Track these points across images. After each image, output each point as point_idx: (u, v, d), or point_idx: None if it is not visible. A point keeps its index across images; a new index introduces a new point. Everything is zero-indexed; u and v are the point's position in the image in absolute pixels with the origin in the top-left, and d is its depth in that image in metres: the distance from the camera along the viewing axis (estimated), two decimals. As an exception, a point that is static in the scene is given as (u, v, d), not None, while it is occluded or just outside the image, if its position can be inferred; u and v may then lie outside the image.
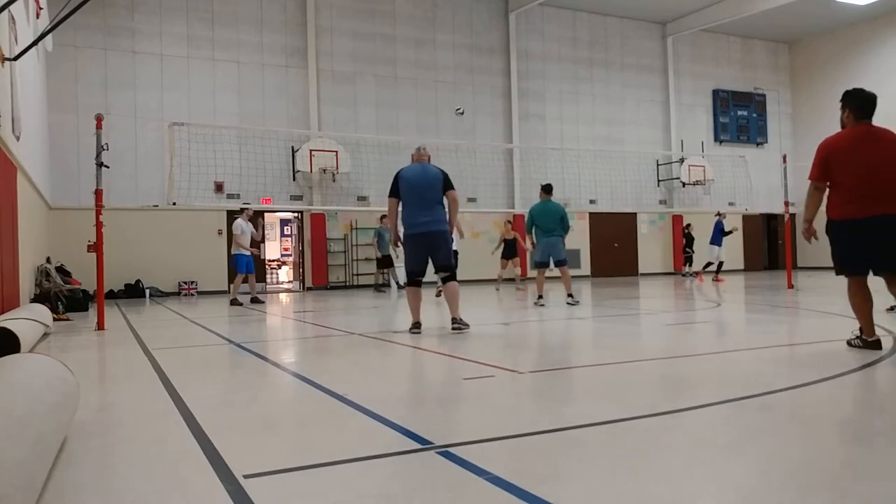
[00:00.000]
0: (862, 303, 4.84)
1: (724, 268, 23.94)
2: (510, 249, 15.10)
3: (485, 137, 19.92)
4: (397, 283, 16.23)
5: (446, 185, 6.70)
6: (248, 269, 12.39)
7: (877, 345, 4.82)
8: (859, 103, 4.83)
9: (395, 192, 6.75)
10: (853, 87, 5.03)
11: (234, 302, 12.19)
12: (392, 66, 19.08)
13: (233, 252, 12.56)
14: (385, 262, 15.79)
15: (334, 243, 18.39)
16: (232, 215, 17.02)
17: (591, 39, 22.03)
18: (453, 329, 6.64)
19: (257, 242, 12.91)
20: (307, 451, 2.72)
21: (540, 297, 10.34)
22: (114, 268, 14.13)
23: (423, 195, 6.63)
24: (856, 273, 4.83)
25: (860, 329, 4.92)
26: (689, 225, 20.45)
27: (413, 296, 6.86)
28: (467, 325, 6.74)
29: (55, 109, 15.37)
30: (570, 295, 10.24)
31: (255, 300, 12.60)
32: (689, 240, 20.13)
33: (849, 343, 5.02)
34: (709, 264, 18.57)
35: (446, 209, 6.85)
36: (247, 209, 12.80)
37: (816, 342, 5.63)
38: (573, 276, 14.98)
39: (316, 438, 2.96)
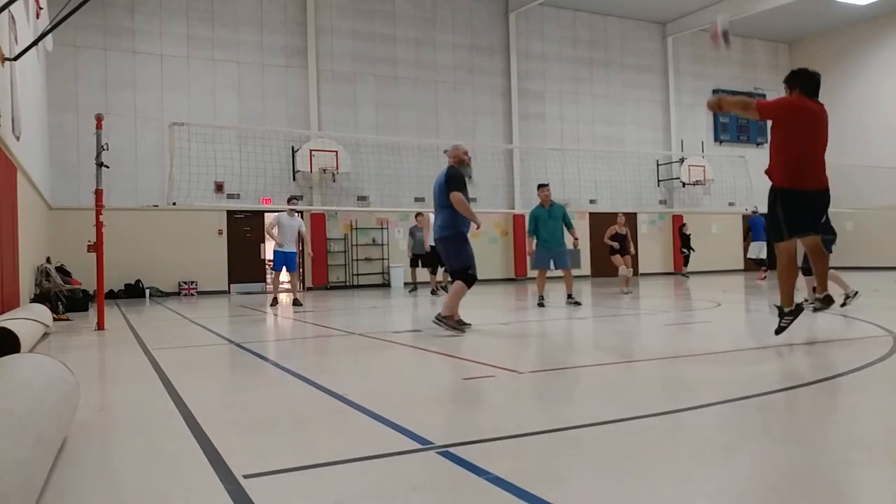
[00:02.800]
0: (794, 274, 5.43)
1: (722, 268, 23.99)
2: (622, 245, 13.61)
3: (485, 137, 19.92)
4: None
5: (448, 186, 6.66)
6: (280, 266, 11.51)
7: (829, 300, 5.61)
8: (808, 84, 5.22)
9: None
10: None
11: (273, 302, 11.55)
12: (392, 66, 19.08)
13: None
14: (414, 262, 14.81)
15: (334, 243, 18.38)
16: (233, 215, 17.13)
17: (591, 39, 22.02)
18: (433, 321, 6.78)
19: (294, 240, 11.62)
20: (307, 451, 2.73)
21: (540, 297, 10.28)
22: (114, 268, 14.13)
23: (435, 200, 6.88)
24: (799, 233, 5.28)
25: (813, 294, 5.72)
26: (684, 224, 20.42)
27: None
28: (456, 328, 6.55)
29: (55, 109, 15.37)
30: (540, 296, 10.20)
31: (274, 302, 11.75)
32: (686, 239, 20.09)
33: (815, 308, 5.83)
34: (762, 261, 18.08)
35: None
36: (289, 207, 11.63)
37: (816, 342, 5.63)
38: (574, 277, 14.99)
39: (316, 438, 2.96)
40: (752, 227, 17.76)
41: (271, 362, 5.31)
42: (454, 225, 6.73)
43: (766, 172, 5.27)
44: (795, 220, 5.17)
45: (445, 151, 7.07)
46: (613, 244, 13.41)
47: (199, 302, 13.95)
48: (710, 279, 18.66)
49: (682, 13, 22.24)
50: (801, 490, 2.16)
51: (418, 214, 14.69)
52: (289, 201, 11.82)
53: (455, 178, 6.71)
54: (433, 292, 13.79)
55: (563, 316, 8.70)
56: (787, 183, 5.13)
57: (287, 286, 11.85)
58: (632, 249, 13.76)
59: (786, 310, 5.32)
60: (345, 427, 3.13)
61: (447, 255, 6.82)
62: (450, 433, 2.94)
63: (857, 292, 7.94)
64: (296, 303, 11.66)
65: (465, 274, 6.67)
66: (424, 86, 19.46)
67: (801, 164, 5.10)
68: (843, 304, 7.88)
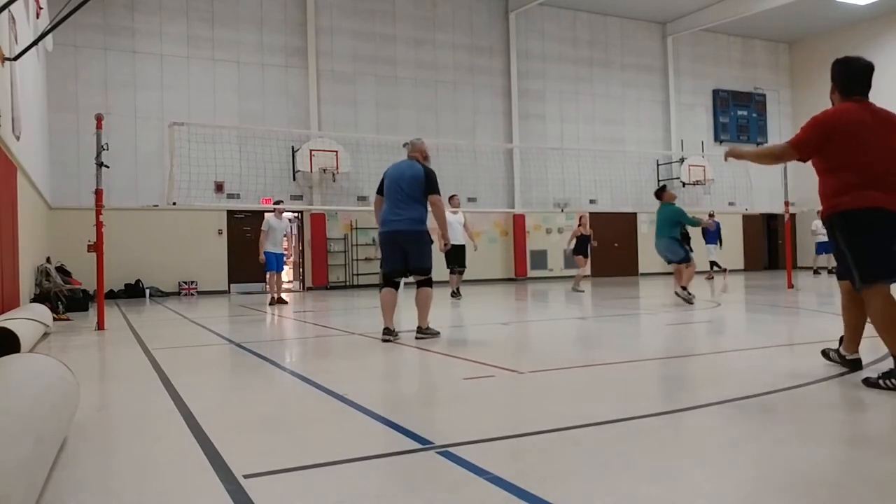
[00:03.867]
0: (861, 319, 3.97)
1: (723, 267, 24.04)
2: (582, 246, 14.05)
3: (485, 137, 19.92)
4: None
5: (429, 186, 6.23)
6: (276, 266, 12.08)
7: (857, 366, 4.09)
8: (849, 78, 4.05)
9: (379, 188, 6.50)
10: None
11: (271, 301, 12.01)
12: (392, 66, 19.08)
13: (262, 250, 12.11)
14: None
15: (334, 243, 18.38)
16: (233, 215, 17.14)
17: (591, 39, 22.03)
18: (416, 337, 6.27)
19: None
20: (307, 451, 2.72)
21: (683, 288, 9.99)
22: (114, 268, 14.14)
23: (402, 191, 6.24)
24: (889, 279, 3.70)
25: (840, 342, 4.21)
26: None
27: (385, 297, 6.37)
28: (436, 333, 6.38)
29: (55, 109, 15.37)
30: (682, 287, 9.94)
31: (279, 300, 12.25)
32: (685, 239, 20.10)
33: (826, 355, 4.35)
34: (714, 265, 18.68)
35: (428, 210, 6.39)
36: (278, 207, 12.26)
37: (816, 342, 5.62)
38: (573, 277, 15.06)
39: (316, 438, 2.96)
40: (705, 231, 18.59)
41: (271, 362, 5.31)
42: (425, 221, 6.33)
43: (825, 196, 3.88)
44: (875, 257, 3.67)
45: (405, 145, 6.55)
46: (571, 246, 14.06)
47: (199, 302, 13.95)
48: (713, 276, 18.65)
49: (682, 13, 22.24)
50: (801, 490, 2.16)
51: None
52: (275, 204, 12.53)
53: (435, 179, 6.28)
54: (454, 294, 12.65)
55: (562, 316, 8.70)
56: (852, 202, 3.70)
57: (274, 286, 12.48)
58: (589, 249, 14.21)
59: (848, 357, 4.12)
60: (345, 427, 3.12)
61: (419, 253, 6.27)
62: (450, 433, 2.94)
63: None
64: (280, 300, 12.28)
65: (429, 276, 6.40)
66: (424, 85, 19.46)
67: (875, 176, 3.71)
68: None
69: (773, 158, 4.15)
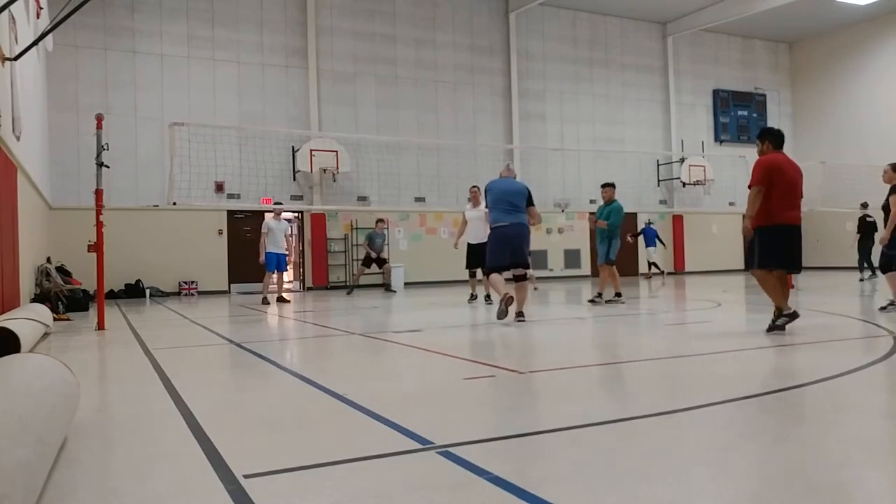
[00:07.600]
0: (780, 287, 6.10)
1: (723, 267, 24.13)
2: None
3: (485, 137, 19.91)
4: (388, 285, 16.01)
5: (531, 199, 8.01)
6: (277, 266, 12.46)
7: (795, 315, 5.98)
8: (777, 139, 6.15)
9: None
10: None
11: (264, 301, 12.30)
12: (392, 66, 19.08)
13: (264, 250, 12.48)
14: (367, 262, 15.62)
15: (334, 243, 18.39)
16: (233, 215, 17.14)
17: (591, 39, 22.03)
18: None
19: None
20: (307, 451, 2.73)
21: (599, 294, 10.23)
22: (114, 268, 14.13)
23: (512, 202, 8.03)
24: (779, 267, 6.08)
25: (778, 309, 6.01)
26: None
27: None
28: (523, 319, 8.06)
29: (55, 109, 15.37)
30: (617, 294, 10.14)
31: (280, 299, 12.63)
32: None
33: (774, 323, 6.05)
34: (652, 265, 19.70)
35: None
36: (277, 208, 12.75)
37: (816, 342, 5.63)
38: (573, 276, 15.05)
39: (316, 438, 2.96)
40: (645, 235, 19.67)
41: (271, 362, 5.31)
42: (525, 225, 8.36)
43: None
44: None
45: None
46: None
47: (199, 302, 13.95)
48: (710, 279, 18.66)
49: (682, 13, 22.24)
50: (800, 490, 2.16)
51: (379, 221, 15.61)
52: (275, 205, 13.00)
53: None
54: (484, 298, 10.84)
55: (562, 316, 8.70)
56: (768, 221, 5.93)
57: (274, 286, 12.82)
58: None
59: (785, 312, 5.98)
60: (345, 427, 3.13)
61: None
62: (450, 433, 2.94)
63: None
64: (281, 300, 12.59)
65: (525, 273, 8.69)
66: (424, 86, 19.46)
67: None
68: (884, 308, 7.83)
69: (753, 200, 5.95)
